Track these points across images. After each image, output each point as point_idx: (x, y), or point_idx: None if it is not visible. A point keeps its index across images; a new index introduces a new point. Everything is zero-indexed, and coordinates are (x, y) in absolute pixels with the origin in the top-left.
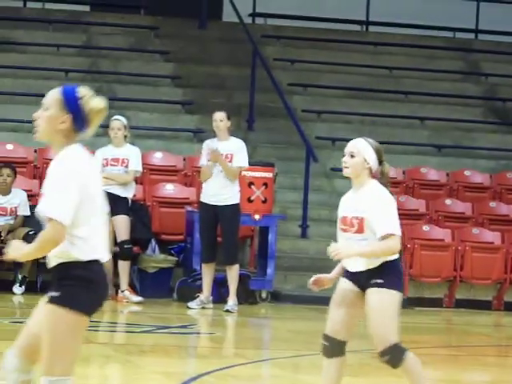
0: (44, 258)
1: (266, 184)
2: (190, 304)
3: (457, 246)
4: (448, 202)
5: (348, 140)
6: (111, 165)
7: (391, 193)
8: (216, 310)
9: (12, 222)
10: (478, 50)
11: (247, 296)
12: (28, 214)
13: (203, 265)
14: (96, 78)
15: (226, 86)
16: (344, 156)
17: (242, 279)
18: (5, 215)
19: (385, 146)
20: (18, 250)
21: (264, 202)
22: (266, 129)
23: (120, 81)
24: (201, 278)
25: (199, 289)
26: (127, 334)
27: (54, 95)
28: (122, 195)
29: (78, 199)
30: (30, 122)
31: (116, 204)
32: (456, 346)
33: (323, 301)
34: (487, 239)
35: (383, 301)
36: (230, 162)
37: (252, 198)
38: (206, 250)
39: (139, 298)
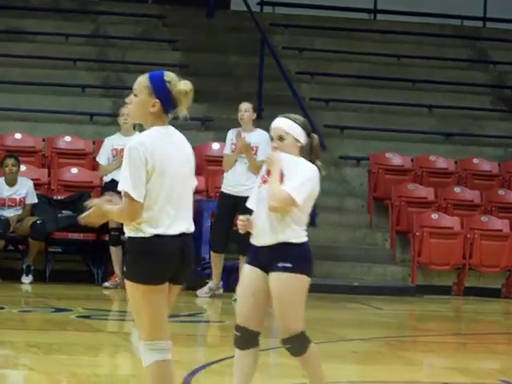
0: (53, 247)
1: None
2: (198, 292)
3: (466, 234)
4: (457, 189)
5: (356, 128)
6: (122, 155)
7: (319, 168)
8: (225, 299)
9: (21, 211)
10: (486, 37)
11: None
12: (35, 201)
13: (213, 254)
14: (104, 66)
15: (234, 75)
16: (274, 140)
17: None
18: (14, 206)
19: (393, 134)
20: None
21: None
22: (274, 117)
23: (128, 70)
24: (209, 267)
25: (208, 277)
26: None
27: (142, 82)
28: None
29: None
30: (38, 111)
31: None
32: (465, 334)
33: (333, 289)
34: (496, 227)
35: (289, 286)
36: (255, 154)
37: None
38: (219, 239)
39: None
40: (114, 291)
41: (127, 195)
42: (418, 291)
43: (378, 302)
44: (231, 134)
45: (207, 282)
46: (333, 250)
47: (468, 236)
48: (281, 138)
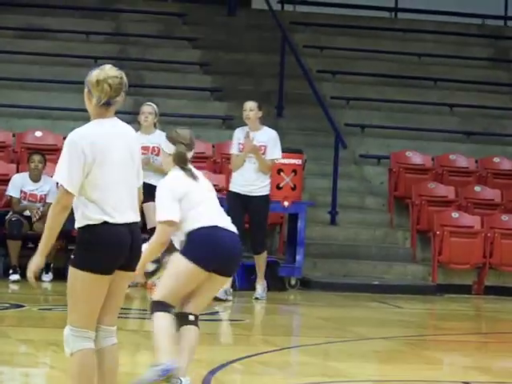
0: (74, 244)
1: (295, 171)
2: (217, 295)
3: (486, 233)
4: (477, 188)
5: (377, 127)
6: (142, 153)
7: (189, 172)
8: (245, 298)
9: (41, 209)
10: (507, 36)
11: (276, 283)
12: None
13: None
14: (125, 64)
15: (255, 73)
16: None
17: (271, 266)
18: (34, 202)
19: (414, 133)
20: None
21: (293, 188)
22: (295, 116)
23: (148, 68)
24: None
25: None
26: None
27: None
28: (154, 183)
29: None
30: (59, 109)
31: (148, 191)
32: (485, 333)
33: (353, 287)
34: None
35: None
36: (264, 153)
37: (281, 185)
38: None
39: None
40: (134, 289)
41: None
42: (439, 290)
43: (399, 300)
44: (238, 133)
45: None
46: (353, 249)
47: (488, 235)
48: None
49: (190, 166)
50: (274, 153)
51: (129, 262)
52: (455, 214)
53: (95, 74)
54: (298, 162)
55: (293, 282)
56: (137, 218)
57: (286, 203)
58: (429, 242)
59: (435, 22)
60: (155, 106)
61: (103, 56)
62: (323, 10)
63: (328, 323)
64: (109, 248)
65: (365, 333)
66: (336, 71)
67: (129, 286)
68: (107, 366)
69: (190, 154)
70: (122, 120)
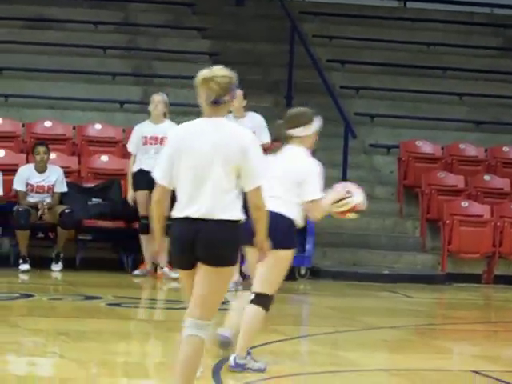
0: (83, 234)
1: None
2: None
3: (496, 222)
4: (487, 177)
5: (386, 116)
6: (150, 143)
7: None
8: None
9: (49, 199)
10: None
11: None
12: (65, 190)
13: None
14: (134, 55)
15: (264, 63)
16: None
17: None
18: (42, 193)
19: (423, 122)
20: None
21: None
22: (304, 105)
23: (158, 58)
24: None
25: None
26: (167, 311)
27: None
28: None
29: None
30: (68, 98)
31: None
32: (495, 322)
33: (363, 277)
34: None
35: None
36: None
37: None
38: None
39: (178, 275)
40: (144, 279)
41: None
42: (448, 279)
43: (408, 290)
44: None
45: None
46: (363, 238)
47: (498, 224)
48: None
49: None
50: (264, 137)
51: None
52: (465, 203)
53: (202, 73)
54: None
55: (302, 271)
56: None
57: None
58: (438, 232)
59: (444, 12)
60: (165, 96)
61: (112, 46)
62: (332, 0)
63: (337, 312)
64: (176, 242)
65: (374, 322)
66: (345, 60)
67: (138, 276)
68: (183, 354)
69: None
70: (131, 110)
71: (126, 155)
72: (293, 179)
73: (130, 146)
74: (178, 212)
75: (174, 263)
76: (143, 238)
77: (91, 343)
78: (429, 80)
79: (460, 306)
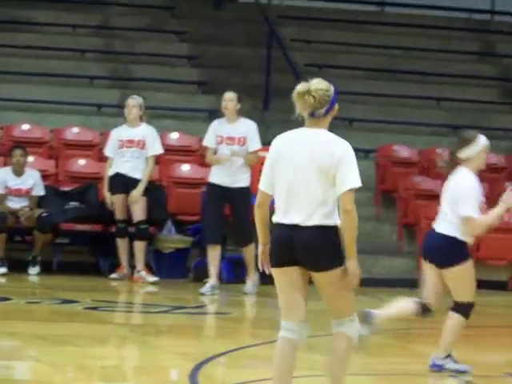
0: (61, 238)
1: None
2: (202, 290)
3: None
4: None
5: (364, 121)
6: (126, 146)
7: None
8: (232, 291)
9: (26, 203)
10: (494, 30)
11: (263, 276)
12: (43, 193)
13: (210, 248)
14: (112, 58)
15: (242, 67)
16: None
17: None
18: (20, 196)
19: (401, 127)
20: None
21: None
22: (281, 109)
23: (136, 61)
24: None
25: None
26: (144, 315)
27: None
28: (138, 177)
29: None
30: (46, 102)
31: (132, 185)
32: (471, 327)
33: None
34: (504, 220)
35: None
36: (243, 145)
37: None
38: (213, 231)
39: (155, 279)
40: (121, 283)
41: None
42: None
43: (385, 294)
44: (215, 125)
45: (206, 282)
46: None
47: None
48: None
49: None
50: (256, 144)
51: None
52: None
53: (298, 87)
54: None
55: None
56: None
57: None
58: (415, 236)
59: (422, 16)
60: (140, 99)
61: (90, 49)
62: (310, 4)
63: (315, 316)
64: (276, 246)
65: None
66: (323, 65)
67: (115, 279)
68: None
69: None
70: (108, 113)
71: (103, 159)
72: (451, 198)
73: (107, 150)
74: (277, 218)
75: (273, 263)
76: (119, 241)
77: (68, 347)
78: (407, 84)
79: (437, 310)
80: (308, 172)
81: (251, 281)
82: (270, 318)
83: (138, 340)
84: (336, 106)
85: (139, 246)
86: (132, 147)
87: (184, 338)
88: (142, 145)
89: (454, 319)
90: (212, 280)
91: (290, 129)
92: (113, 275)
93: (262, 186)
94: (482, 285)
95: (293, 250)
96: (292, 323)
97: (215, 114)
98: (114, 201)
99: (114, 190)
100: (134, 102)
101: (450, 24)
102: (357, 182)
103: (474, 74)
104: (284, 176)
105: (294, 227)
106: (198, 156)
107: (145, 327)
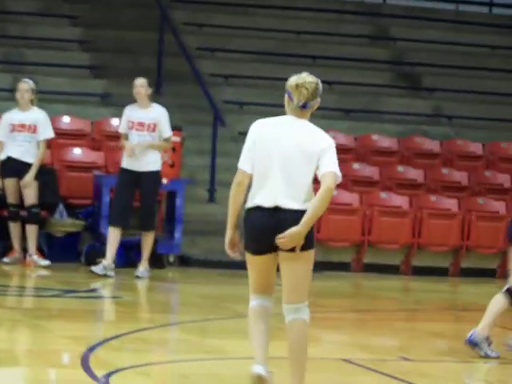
0: None
1: (173, 148)
2: (93, 268)
3: (365, 211)
4: (356, 166)
5: (256, 104)
6: (18, 130)
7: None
8: (124, 275)
9: None
10: (386, 14)
11: (155, 260)
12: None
13: (111, 229)
14: (4, 42)
15: (134, 51)
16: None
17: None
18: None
19: None
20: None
21: (172, 166)
22: (173, 93)
23: (28, 45)
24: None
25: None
26: (35, 299)
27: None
28: (30, 161)
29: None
30: None
31: (24, 169)
32: (364, 311)
33: (230, 265)
34: (395, 203)
35: None
36: (154, 131)
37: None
38: (120, 213)
39: (47, 262)
40: (13, 267)
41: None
42: (318, 268)
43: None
44: (127, 111)
45: (100, 261)
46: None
47: (367, 212)
48: None
49: None
50: (167, 130)
51: None
52: (335, 192)
53: (294, 79)
54: (177, 139)
55: (171, 259)
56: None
57: (164, 180)
58: None
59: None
60: (32, 83)
61: None
62: None
63: (206, 300)
64: (252, 230)
65: (243, 310)
66: (215, 48)
67: (7, 263)
68: (289, 341)
69: None
70: (1, 98)
71: None
72: None
73: None
74: (256, 200)
75: (251, 250)
76: (12, 225)
77: None
78: (298, 68)
79: (329, 295)
80: (295, 158)
81: (144, 266)
82: (161, 302)
83: (30, 324)
84: (319, 100)
85: (31, 230)
86: (23, 131)
87: (76, 321)
88: (33, 129)
89: (502, 302)
90: (106, 261)
91: (183, 112)
92: (5, 259)
93: (244, 165)
94: (326, 266)
95: (274, 233)
96: (267, 296)
97: (107, 97)
98: (5, 185)
99: (5, 174)
100: (25, 86)
101: (342, 7)
102: (340, 174)
103: (367, 57)
104: (267, 160)
105: (278, 210)
106: (90, 140)
107: (36, 311)
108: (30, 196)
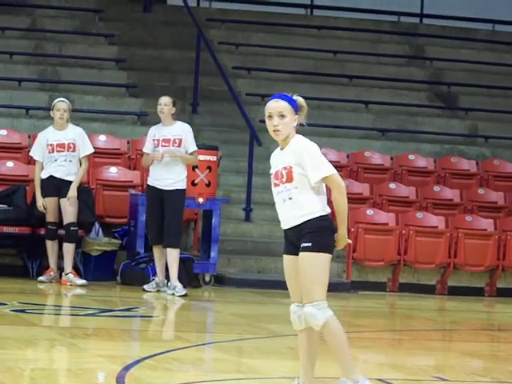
0: None
1: (209, 167)
2: (145, 287)
3: (401, 230)
4: (392, 186)
5: None
6: (57, 151)
7: None
8: (160, 294)
9: None
10: (422, 34)
11: (191, 279)
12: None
13: (154, 248)
14: (40, 60)
15: (171, 70)
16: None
17: (186, 262)
18: None
19: (330, 130)
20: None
21: (208, 185)
22: (210, 112)
23: (64, 64)
24: (144, 262)
25: (143, 272)
26: (71, 317)
27: (286, 105)
28: (72, 179)
29: None
30: None
31: (66, 187)
32: (400, 330)
33: (266, 284)
34: (431, 223)
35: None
36: (179, 146)
37: (196, 182)
38: (155, 232)
39: (83, 281)
40: (49, 285)
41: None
42: (353, 287)
43: None
44: (152, 131)
45: (153, 279)
46: (267, 246)
47: (403, 232)
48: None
49: None
50: (192, 145)
51: None
52: (370, 211)
53: (303, 101)
54: (213, 158)
55: (207, 278)
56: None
57: (200, 200)
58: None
59: (351, 19)
60: (68, 102)
61: (19, 52)
62: (239, 7)
63: (242, 320)
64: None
65: (279, 329)
66: (251, 68)
67: (43, 282)
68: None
69: None
70: (37, 116)
71: (32, 161)
72: None
73: (35, 153)
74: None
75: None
76: (49, 243)
77: None
78: (335, 88)
79: (365, 314)
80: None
81: (176, 283)
82: (196, 321)
83: (66, 342)
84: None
85: (68, 248)
86: (63, 151)
87: (111, 340)
88: (72, 147)
89: None
90: (157, 278)
91: (219, 132)
92: (41, 278)
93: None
94: (361, 286)
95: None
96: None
97: (143, 116)
98: (46, 203)
99: (46, 192)
100: (64, 106)
101: (378, 27)
102: None
103: (403, 77)
104: None
105: None
106: (126, 159)
107: (72, 330)
108: (70, 214)
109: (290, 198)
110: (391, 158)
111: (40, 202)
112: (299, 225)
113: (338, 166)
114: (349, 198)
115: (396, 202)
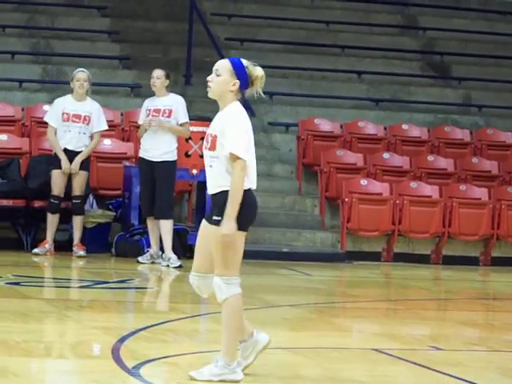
0: None
1: (203, 138)
2: (140, 258)
3: (395, 200)
4: (386, 155)
5: (285, 94)
6: (73, 121)
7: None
8: (155, 265)
9: None
10: (415, 3)
11: (185, 251)
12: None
13: (147, 219)
14: (33, 33)
15: (163, 41)
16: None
17: (180, 234)
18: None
19: (323, 101)
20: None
21: (201, 156)
22: (203, 83)
23: (57, 36)
24: (138, 233)
25: (137, 243)
26: (66, 290)
27: (225, 64)
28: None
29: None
30: None
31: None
32: (394, 300)
33: (262, 255)
34: (425, 193)
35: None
36: (169, 116)
37: (189, 153)
38: (147, 203)
39: (81, 253)
40: (44, 257)
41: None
42: (348, 257)
43: (308, 268)
44: (146, 103)
45: (147, 251)
46: (262, 217)
47: (397, 202)
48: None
49: None
50: (183, 117)
51: None
52: (364, 182)
53: (259, 69)
54: (207, 129)
55: None
56: None
57: (194, 171)
58: (337, 210)
59: None
60: (88, 72)
61: (12, 25)
62: None
63: None
64: (252, 210)
65: (274, 300)
66: (244, 39)
67: (37, 254)
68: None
69: None
70: (30, 89)
71: (25, 134)
72: None
73: (51, 119)
74: (251, 185)
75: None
76: (50, 217)
77: None
78: (328, 58)
79: (360, 284)
80: None
81: (172, 255)
82: (191, 293)
83: (61, 315)
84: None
85: (78, 221)
86: (78, 122)
87: (106, 312)
88: (88, 120)
89: None
90: (151, 249)
91: (212, 104)
92: (35, 250)
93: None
94: (356, 256)
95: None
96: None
97: (136, 88)
98: (53, 176)
99: (57, 165)
100: (84, 76)
101: None
102: None
103: (396, 47)
104: (252, 147)
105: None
106: (120, 131)
107: (67, 302)
108: (79, 187)
109: (211, 166)
110: (385, 128)
111: (65, 165)
112: (215, 194)
113: (331, 137)
114: (343, 168)
115: (390, 171)
